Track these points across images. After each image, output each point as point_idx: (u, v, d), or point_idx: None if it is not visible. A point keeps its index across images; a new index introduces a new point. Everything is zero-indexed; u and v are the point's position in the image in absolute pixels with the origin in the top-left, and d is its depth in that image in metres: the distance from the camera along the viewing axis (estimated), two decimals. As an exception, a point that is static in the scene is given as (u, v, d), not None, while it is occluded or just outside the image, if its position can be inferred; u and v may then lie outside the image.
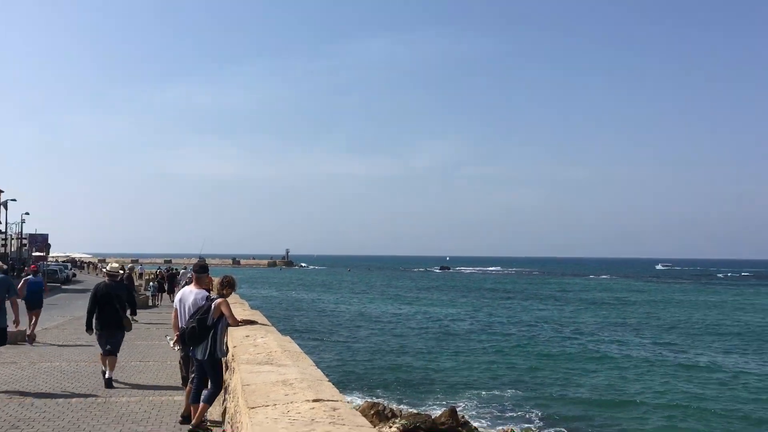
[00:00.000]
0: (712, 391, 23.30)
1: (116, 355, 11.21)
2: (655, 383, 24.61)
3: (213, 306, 7.86)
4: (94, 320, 11.15)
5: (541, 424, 18.90)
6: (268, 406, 3.77)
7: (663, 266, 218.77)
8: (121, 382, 11.28)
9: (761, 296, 76.29)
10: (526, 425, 18.54)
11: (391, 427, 17.00)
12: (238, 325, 8.34)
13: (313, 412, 3.50)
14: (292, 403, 3.76)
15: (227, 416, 7.25)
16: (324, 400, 3.75)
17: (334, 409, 3.53)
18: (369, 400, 20.03)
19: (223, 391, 8.13)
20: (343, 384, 23.77)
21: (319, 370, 4.95)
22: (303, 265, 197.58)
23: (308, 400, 3.78)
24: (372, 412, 18.02)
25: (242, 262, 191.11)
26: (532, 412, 20.19)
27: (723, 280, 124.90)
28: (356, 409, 16.62)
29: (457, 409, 18.60)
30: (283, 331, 9.02)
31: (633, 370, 27.19)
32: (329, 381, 4.48)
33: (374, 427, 16.97)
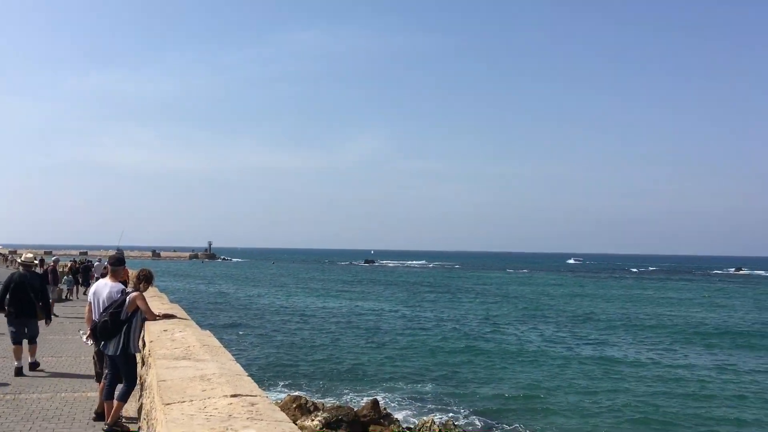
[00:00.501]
0: (627, 383, 24.32)
1: (36, 343, 11.40)
2: (570, 376, 25.49)
3: (128, 300, 7.62)
4: (6, 307, 11.05)
5: (461, 415, 19.28)
6: (184, 402, 3.67)
7: (575, 260, 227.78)
8: (33, 376, 10.85)
9: (671, 290, 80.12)
10: (447, 416, 18.85)
11: (313, 420, 16.94)
12: (155, 320, 8.11)
13: (230, 407, 3.43)
14: (209, 398, 3.68)
15: (143, 413, 7.05)
16: (242, 396, 3.68)
17: (253, 405, 3.47)
18: (291, 393, 19.91)
19: (139, 387, 7.91)
20: (266, 379, 23.55)
21: (238, 364, 4.86)
22: (226, 258, 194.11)
23: (226, 396, 3.70)
24: (294, 405, 17.92)
25: (163, 254, 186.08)
26: (453, 405, 20.57)
27: (635, 275, 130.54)
28: (277, 404, 16.44)
29: (379, 402, 18.72)
30: (204, 326, 8.83)
31: (550, 363, 28.06)
32: (249, 376, 4.40)
33: (296, 420, 16.91)
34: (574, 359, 28.76)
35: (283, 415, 3.28)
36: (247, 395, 3.71)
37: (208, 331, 7.10)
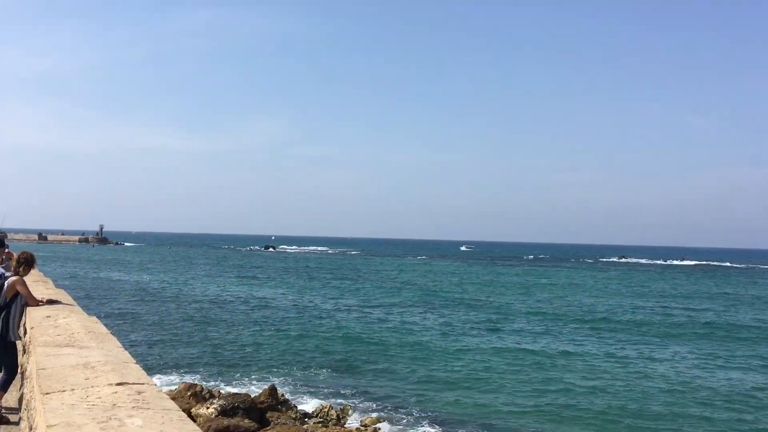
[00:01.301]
0: (520, 369, 25.33)
1: None
2: (464, 362, 26.26)
3: (6, 285, 7.17)
4: None
5: (358, 401, 19.45)
6: (65, 391, 3.50)
7: (466, 248, 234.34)
8: None
9: (564, 276, 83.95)
10: (344, 402, 18.99)
11: (208, 408, 16.62)
12: (38, 305, 7.68)
13: (115, 396, 3.30)
14: (92, 387, 3.52)
15: (24, 403, 6.68)
16: (129, 384, 3.55)
17: (140, 393, 3.35)
18: (186, 381, 19.44)
19: (20, 376, 7.49)
20: (159, 367, 22.89)
21: (126, 352, 4.68)
22: (119, 242, 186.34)
23: (111, 384, 3.55)
24: (189, 393, 17.52)
25: (50, 237, 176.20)
26: (350, 391, 20.74)
27: (530, 261, 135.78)
28: (171, 392, 15.96)
29: (277, 388, 18.60)
30: (93, 312, 8.45)
31: (444, 350, 28.74)
32: (137, 363, 4.25)
33: (191, 408, 16.53)
34: (469, 346, 29.60)
35: (171, 403, 3.18)
36: (133, 383, 3.57)
37: (94, 317, 6.79)
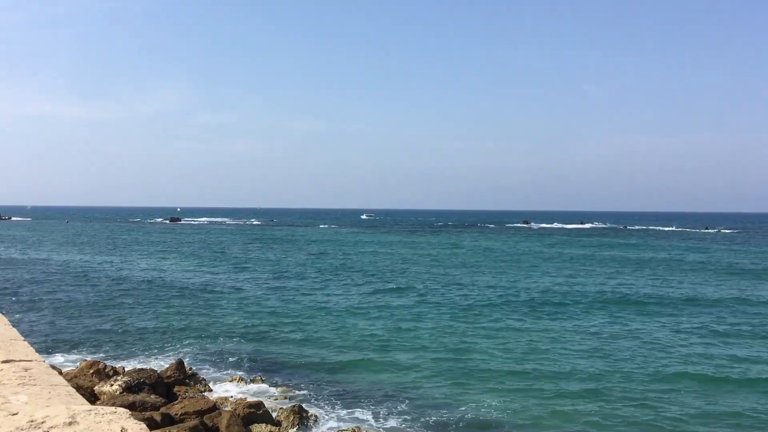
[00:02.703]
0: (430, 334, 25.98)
1: None
2: (368, 328, 26.68)
3: None
4: None
5: (264, 373, 19.45)
6: (-54, 372, 3.35)
7: (367, 216, 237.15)
8: None
9: (479, 240, 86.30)
10: (254, 374, 18.97)
11: (112, 385, 16.19)
12: None
13: (1, 374, 3.20)
14: (-25, 367, 3.39)
15: None
16: (15, 361, 3.44)
17: (26, 370, 3.26)
18: (89, 359, 18.83)
19: None
20: (60, 346, 22.07)
21: (14, 329, 4.51)
22: (4, 216, 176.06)
23: (-4, 363, 3.43)
24: (91, 371, 17.02)
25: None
26: (258, 363, 20.72)
27: (438, 228, 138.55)
28: (71, 370, 15.42)
29: (185, 362, 18.34)
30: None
31: (345, 316, 29.14)
32: (25, 341, 4.11)
33: (94, 387, 16.09)
34: (380, 314, 30.08)
35: (60, 379, 3.12)
36: (20, 360, 3.47)
37: (-20, 296, 6.47)
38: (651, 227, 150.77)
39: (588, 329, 25.99)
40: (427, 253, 67.63)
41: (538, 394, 17.38)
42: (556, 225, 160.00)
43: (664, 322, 27.51)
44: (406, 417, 15.50)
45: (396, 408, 16.12)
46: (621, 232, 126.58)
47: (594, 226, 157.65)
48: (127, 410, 2.24)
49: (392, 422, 15.23)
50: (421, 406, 16.23)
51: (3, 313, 5.57)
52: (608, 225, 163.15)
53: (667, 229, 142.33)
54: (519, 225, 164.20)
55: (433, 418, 15.39)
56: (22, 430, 2.04)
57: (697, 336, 24.86)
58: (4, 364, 3.39)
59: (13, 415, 2.49)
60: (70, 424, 2.05)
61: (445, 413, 15.75)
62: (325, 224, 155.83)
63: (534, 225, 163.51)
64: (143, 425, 2.08)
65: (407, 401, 16.61)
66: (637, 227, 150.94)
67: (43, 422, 2.09)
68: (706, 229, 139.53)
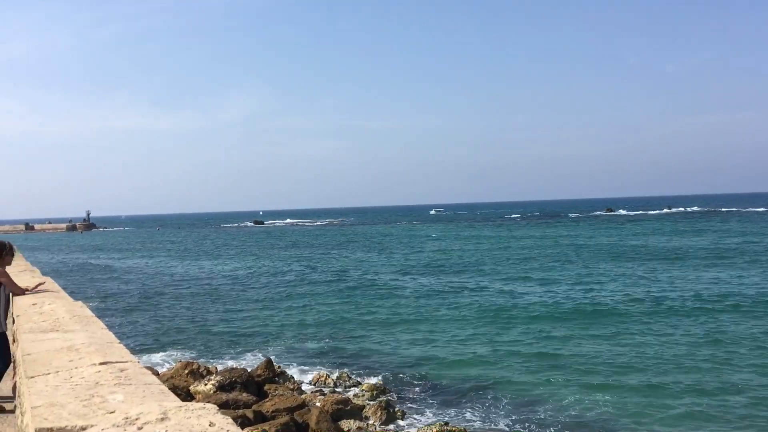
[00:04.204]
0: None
1: None
2: (461, 329, 26.53)
3: (-13, 277, 7.17)
4: None
5: (354, 369, 19.66)
6: (49, 374, 3.56)
7: (436, 211, 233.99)
8: None
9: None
10: (342, 370, 19.20)
11: (206, 384, 16.76)
12: (23, 294, 7.70)
13: (98, 375, 3.36)
14: (76, 368, 3.58)
15: (17, 390, 6.76)
16: (111, 363, 3.61)
17: (122, 371, 3.41)
18: (183, 359, 19.57)
19: (12, 365, 7.55)
20: (154, 347, 23.03)
21: (110, 333, 4.73)
22: (106, 227, 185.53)
23: (95, 364, 3.61)
24: (186, 371, 17.64)
25: (37, 227, 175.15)
26: (346, 359, 20.97)
27: (516, 221, 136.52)
28: (168, 371, 16.09)
29: (273, 361, 18.78)
30: (79, 297, 8.46)
31: (440, 318, 29.04)
32: (120, 343, 4.30)
33: (189, 386, 16.70)
34: (467, 316, 29.89)
35: (153, 378, 3.25)
36: (116, 362, 3.64)
37: (80, 302, 6.83)
38: (743, 209, 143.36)
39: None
40: (519, 245, 66.70)
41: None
42: (640, 212, 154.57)
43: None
44: (495, 414, 15.30)
45: (483, 405, 15.91)
46: (713, 215, 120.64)
47: (682, 210, 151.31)
48: (216, 406, 2.31)
49: (480, 419, 15.08)
50: (512, 404, 15.91)
51: (100, 317, 5.87)
52: (697, 209, 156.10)
53: (761, 209, 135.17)
54: (601, 213, 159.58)
55: (523, 416, 15.11)
56: (118, 426, 2.13)
57: None
58: (101, 366, 3.56)
59: (110, 413, 2.61)
60: (162, 419, 2.12)
61: (536, 411, 15.42)
62: (404, 221, 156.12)
63: (622, 212, 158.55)
64: (230, 419, 2.14)
65: (496, 399, 16.32)
66: (725, 209, 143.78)
67: (137, 418, 2.17)
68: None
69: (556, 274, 39.77)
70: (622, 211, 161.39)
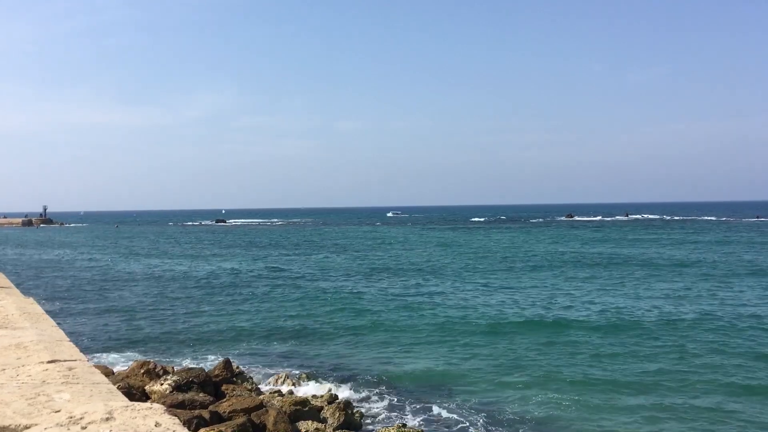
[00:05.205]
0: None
1: None
2: (419, 326, 26.67)
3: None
4: None
5: (312, 370, 19.62)
6: (-5, 372, 3.48)
7: (393, 214, 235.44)
8: None
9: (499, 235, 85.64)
10: (298, 371, 19.15)
11: (162, 384, 16.53)
12: (-28, 290, 7.50)
13: (46, 374, 3.31)
14: (23, 366, 3.51)
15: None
16: (60, 361, 3.55)
17: (70, 369, 3.36)
18: (139, 359, 19.26)
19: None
20: (109, 346, 22.62)
21: (60, 331, 4.65)
22: (63, 223, 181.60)
23: (42, 362, 3.55)
24: (142, 371, 17.37)
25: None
26: (304, 360, 20.92)
27: (481, 224, 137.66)
28: (123, 371, 15.82)
29: (232, 360, 18.61)
30: (34, 294, 8.30)
31: (394, 315, 29.16)
32: (70, 341, 4.23)
33: (145, 386, 16.45)
34: (422, 312, 30.04)
35: (102, 378, 3.21)
36: (65, 360, 3.58)
37: (31, 299, 6.68)
38: (696, 217, 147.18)
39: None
40: (471, 251, 67.24)
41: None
42: (598, 218, 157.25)
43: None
44: (455, 417, 15.39)
45: (444, 408, 15.98)
46: (670, 223, 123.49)
47: (640, 218, 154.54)
48: (163, 406, 2.29)
49: (438, 422, 15.17)
50: (470, 408, 16.02)
51: (51, 315, 5.76)
52: (656, 216, 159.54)
53: (712, 218, 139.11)
54: (563, 219, 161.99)
55: (482, 419, 15.23)
56: (61, 425, 2.10)
57: None
58: (49, 364, 3.50)
59: (56, 412, 2.58)
60: (107, 419, 2.10)
61: (494, 415, 15.57)
62: (368, 224, 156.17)
63: (579, 218, 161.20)
64: (177, 420, 2.13)
65: (454, 402, 16.43)
66: (679, 218, 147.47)
67: (81, 418, 2.15)
68: (758, 218, 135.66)
69: (517, 280, 40.23)
70: (576, 217, 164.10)
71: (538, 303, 30.30)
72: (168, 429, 2.04)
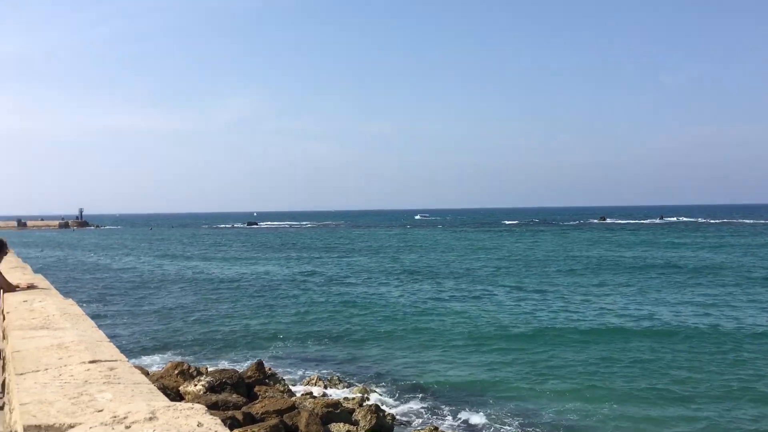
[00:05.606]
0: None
1: None
2: (453, 330, 26.54)
3: (-22, 272, 7.15)
4: None
5: (344, 371, 19.66)
6: (38, 371, 3.56)
7: (421, 216, 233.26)
8: None
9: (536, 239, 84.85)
10: (332, 373, 19.19)
11: (196, 385, 16.71)
12: (14, 291, 7.68)
13: (87, 373, 3.36)
14: (65, 366, 3.58)
15: (5, 387, 6.73)
16: (101, 361, 3.61)
17: (111, 369, 3.42)
18: (173, 360, 19.51)
19: (2, 361, 7.52)
20: (146, 347, 22.96)
21: (100, 331, 4.73)
22: (99, 225, 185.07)
23: (84, 362, 3.61)
24: (176, 372, 17.59)
25: (29, 223, 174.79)
26: (336, 362, 20.97)
27: (507, 227, 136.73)
28: (158, 371, 16.09)
29: (264, 362, 18.74)
30: (71, 295, 8.45)
31: (429, 317, 29.06)
32: (110, 342, 4.30)
33: (179, 387, 16.65)
34: (456, 312, 29.91)
35: (142, 378, 3.25)
36: (106, 361, 3.64)
37: (70, 300, 6.81)
38: (732, 220, 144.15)
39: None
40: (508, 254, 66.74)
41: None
42: (633, 221, 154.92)
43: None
44: (488, 422, 15.26)
45: (477, 413, 15.83)
46: (707, 226, 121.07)
47: (675, 221, 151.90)
48: (204, 406, 2.31)
49: (473, 427, 15.05)
50: (503, 413, 15.84)
51: (90, 316, 5.87)
52: (692, 219, 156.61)
53: (749, 221, 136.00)
54: (596, 221, 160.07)
55: (514, 424, 15.09)
56: (106, 424, 2.13)
57: None
58: (91, 364, 3.56)
59: (99, 411, 2.62)
60: (150, 419, 2.13)
61: (527, 420, 15.41)
62: (383, 226, 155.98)
63: (616, 221, 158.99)
64: (218, 420, 2.14)
65: (487, 406, 16.28)
66: (716, 221, 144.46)
67: (125, 417, 2.18)
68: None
69: (553, 284, 39.80)
70: (609, 220, 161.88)
71: (575, 308, 29.90)
72: (210, 429, 2.06)
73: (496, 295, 34.91)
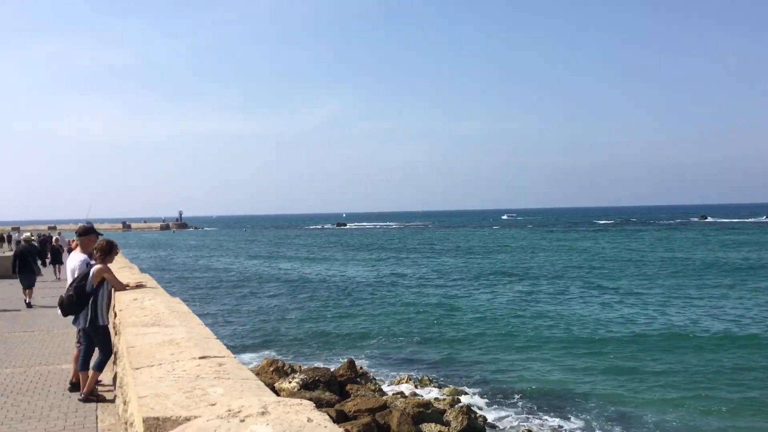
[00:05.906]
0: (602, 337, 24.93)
1: (33, 288, 17.70)
2: (546, 334, 26.02)
3: (92, 273, 7.60)
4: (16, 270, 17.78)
5: (436, 372, 19.64)
6: (153, 366, 3.76)
7: (508, 216, 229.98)
8: (6, 350, 10.80)
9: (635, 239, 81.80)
10: (422, 374, 19.22)
11: (290, 382, 17.14)
12: (124, 289, 8.12)
13: (198, 368, 3.53)
14: (177, 361, 3.77)
15: (117, 381, 7.14)
16: (210, 357, 3.78)
17: (220, 365, 3.57)
18: (268, 357, 20.09)
19: (113, 356, 7.97)
20: (242, 344, 23.75)
21: (207, 328, 4.95)
22: (197, 227, 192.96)
23: (194, 358, 3.79)
24: (271, 369, 18.10)
25: (133, 226, 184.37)
26: (428, 363, 20.96)
27: (601, 227, 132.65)
28: (254, 368, 16.57)
29: (355, 361, 18.99)
30: (175, 294, 8.86)
31: (523, 322, 28.61)
32: (217, 339, 4.49)
33: (274, 383, 17.12)
34: (550, 316, 29.33)
35: (249, 373, 3.38)
36: (215, 356, 3.81)
37: (177, 299, 7.15)
38: None
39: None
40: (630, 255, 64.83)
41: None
42: (734, 219, 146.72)
43: None
44: (585, 425, 14.89)
45: (573, 418, 15.48)
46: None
47: None
48: (312, 402, 2.39)
49: (568, 430, 14.72)
50: (599, 417, 15.41)
51: (197, 315, 6.15)
52: None
53: None
54: (696, 220, 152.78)
55: (608, 429, 14.66)
56: (221, 417, 2.23)
57: None
58: (201, 360, 3.73)
59: (212, 405, 2.74)
60: (263, 413, 2.21)
61: (621, 425, 14.93)
62: (497, 225, 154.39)
63: (712, 219, 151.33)
64: (326, 416, 2.21)
65: (587, 413, 15.82)
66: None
67: (239, 411, 2.27)
68: None
69: (655, 288, 38.23)
70: (711, 218, 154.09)
71: (676, 312, 28.67)
72: (320, 425, 2.12)
73: (592, 297, 33.94)
